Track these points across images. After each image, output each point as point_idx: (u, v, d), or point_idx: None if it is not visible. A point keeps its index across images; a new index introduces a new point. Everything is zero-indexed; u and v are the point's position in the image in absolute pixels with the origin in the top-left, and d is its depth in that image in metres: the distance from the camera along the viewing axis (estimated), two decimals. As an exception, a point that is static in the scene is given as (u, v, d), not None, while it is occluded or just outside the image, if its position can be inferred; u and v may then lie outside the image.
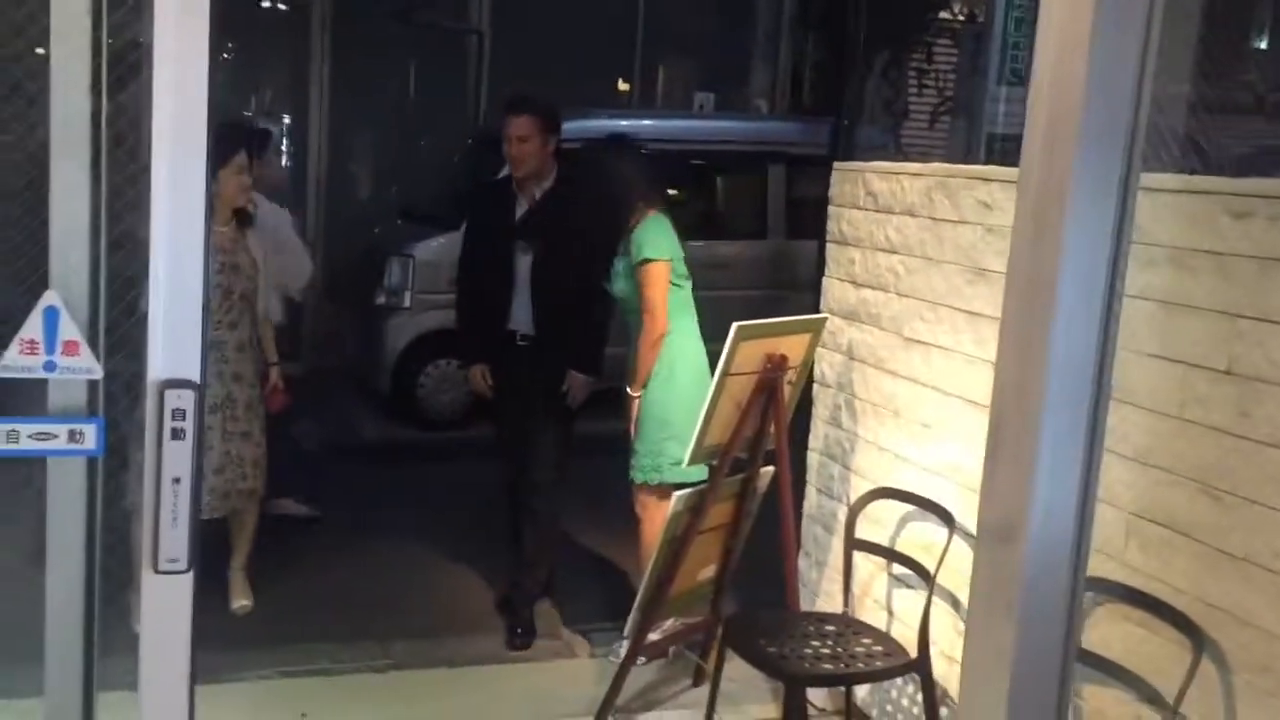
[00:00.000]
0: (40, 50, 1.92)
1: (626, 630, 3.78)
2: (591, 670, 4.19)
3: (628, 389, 4.18)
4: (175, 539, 1.53)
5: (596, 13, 9.59)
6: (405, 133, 9.91)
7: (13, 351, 1.73)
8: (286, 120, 9.74)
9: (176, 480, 1.53)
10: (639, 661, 3.89)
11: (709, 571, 3.88)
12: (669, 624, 4.04)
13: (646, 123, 8.28)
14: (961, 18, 9.13)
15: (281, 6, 9.17)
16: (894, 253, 3.56)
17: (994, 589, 1.63)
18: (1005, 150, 7.17)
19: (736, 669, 3.61)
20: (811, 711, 3.60)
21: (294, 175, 9.42)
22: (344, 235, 8.79)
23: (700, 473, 3.88)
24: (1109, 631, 2.62)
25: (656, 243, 4.07)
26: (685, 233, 4.28)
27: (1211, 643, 2.36)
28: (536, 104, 4.36)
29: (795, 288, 7.45)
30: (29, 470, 2.14)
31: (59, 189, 1.84)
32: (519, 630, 4.44)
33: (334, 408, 7.72)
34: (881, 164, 3.77)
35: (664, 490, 3.99)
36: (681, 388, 4.07)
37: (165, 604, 1.56)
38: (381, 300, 7.40)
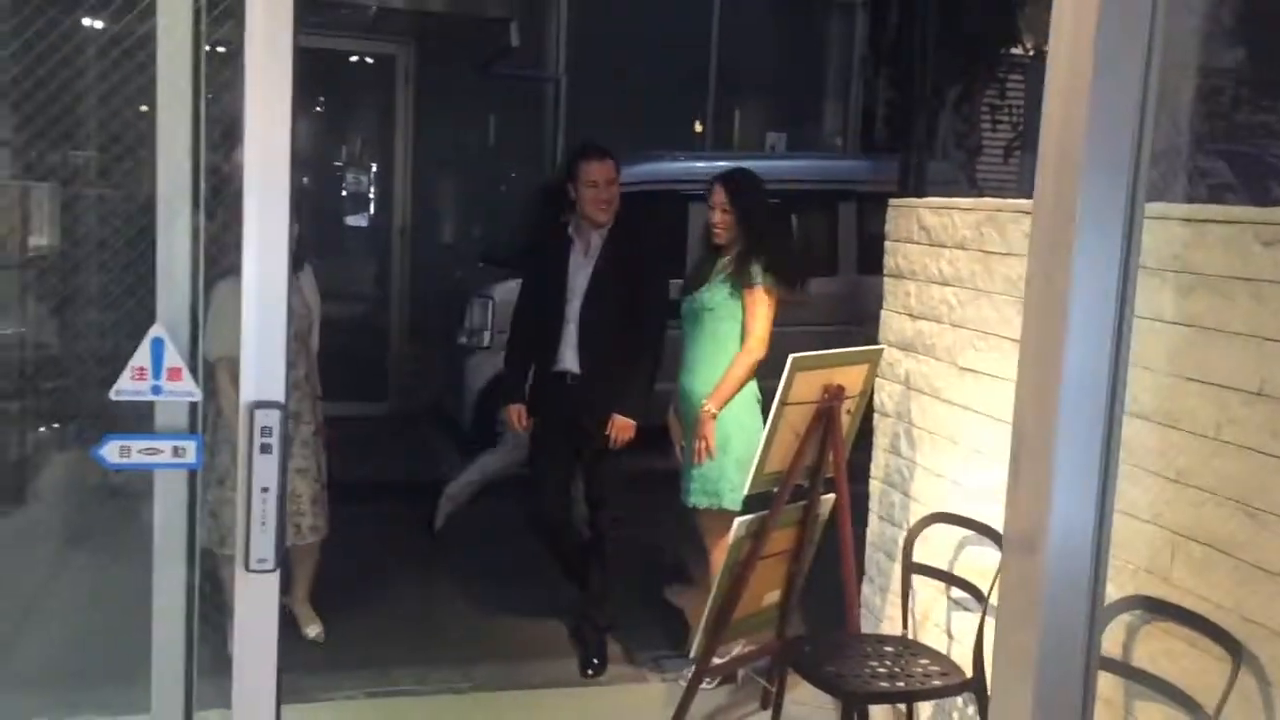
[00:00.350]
0: (144, 108, 2.16)
1: (692, 653, 3.90)
2: (662, 694, 4.30)
3: (706, 406, 4.16)
4: (264, 541, 1.75)
5: (670, 58, 9.81)
6: (486, 179, 10.20)
7: (125, 377, 1.99)
8: (374, 168, 10.11)
9: (265, 490, 1.75)
10: (706, 684, 4.01)
11: (774, 596, 3.99)
12: (735, 647, 4.15)
13: (719, 164, 8.44)
14: (1032, 53, 9.15)
15: (369, 60, 9.55)
16: (947, 285, 3.66)
17: (1019, 598, 1.72)
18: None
19: (804, 693, 3.71)
20: (875, 733, 3.68)
21: (379, 221, 9.75)
22: (427, 278, 9.08)
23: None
24: (1156, 648, 2.68)
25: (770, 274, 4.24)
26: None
27: (1250, 656, 2.41)
28: (610, 150, 4.58)
29: (867, 322, 7.50)
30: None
31: (165, 236, 2.09)
32: (592, 661, 4.56)
33: (419, 444, 8.02)
34: (934, 200, 3.88)
35: (724, 515, 4.09)
36: (738, 413, 4.20)
37: (256, 597, 1.78)
38: (463, 340, 7.61)
